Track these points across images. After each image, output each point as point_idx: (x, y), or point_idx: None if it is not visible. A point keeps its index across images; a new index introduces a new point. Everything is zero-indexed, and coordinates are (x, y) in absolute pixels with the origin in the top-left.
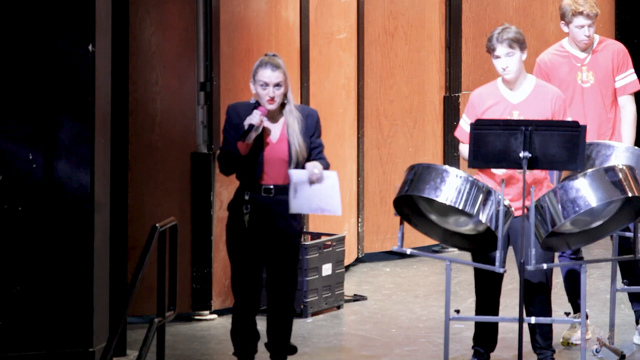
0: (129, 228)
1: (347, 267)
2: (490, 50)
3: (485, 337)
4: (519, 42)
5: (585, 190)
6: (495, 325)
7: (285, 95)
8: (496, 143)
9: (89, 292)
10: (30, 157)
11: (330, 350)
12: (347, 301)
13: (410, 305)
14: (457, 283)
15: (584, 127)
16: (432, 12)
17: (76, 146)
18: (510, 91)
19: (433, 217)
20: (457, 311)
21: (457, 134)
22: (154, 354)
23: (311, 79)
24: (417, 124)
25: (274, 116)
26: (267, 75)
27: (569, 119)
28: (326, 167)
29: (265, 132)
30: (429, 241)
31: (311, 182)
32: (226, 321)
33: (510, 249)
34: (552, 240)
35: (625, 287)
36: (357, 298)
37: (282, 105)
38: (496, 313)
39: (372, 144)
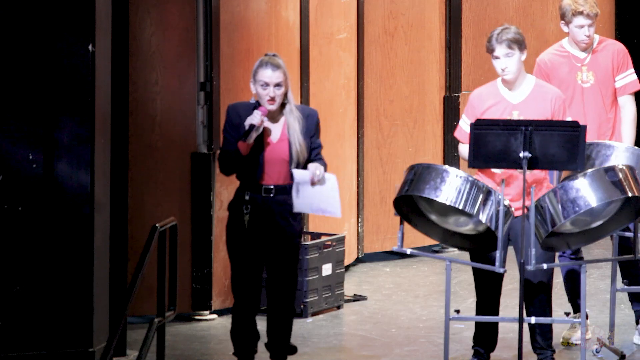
0: (129, 228)
1: (347, 267)
2: (490, 50)
3: (485, 337)
4: (518, 43)
5: (585, 190)
6: (495, 325)
7: (285, 95)
8: (496, 143)
9: (89, 292)
10: (30, 157)
11: (330, 350)
12: (347, 301)
13: (410, 305)
14: (457, 283)
15: (584, 127)
16: (432, 12)
17: (76, 146)
18: (509, 91)
19: (433, 217)
20: (457, 311)
21: (457, 134)
22: (154, 354)
23: (311, 79)
24: (417, 124)
25: (274, 116)
26: (268, 75)
27: (569, 119)
28: (324, 167)
29: (265, 132)
30: (429, 241)
31: (312, 183)
32: (226, 321)
33: (511, 248)
34: (552, 240)
35: (625, 287)
36: (357, 298)
37: (283, 105)
38: (496, 313)
39: (372, 144)
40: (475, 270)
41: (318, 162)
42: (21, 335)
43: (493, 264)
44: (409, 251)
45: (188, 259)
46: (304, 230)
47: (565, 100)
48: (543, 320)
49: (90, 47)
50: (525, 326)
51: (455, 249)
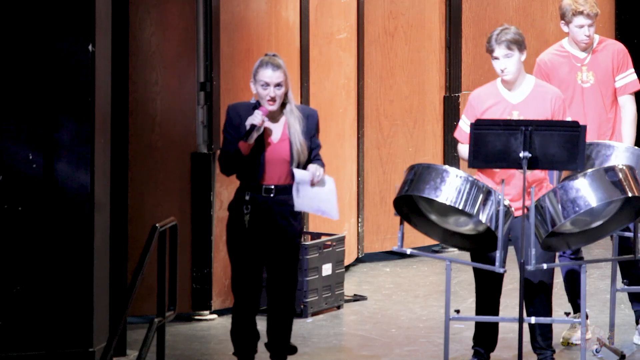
0: (129, 228)
1: (347, 267)
2: (489, 51)
3: (485, 337)
4: (517, 44)
5: (585, 190)
6: (495, 325)
7: (286, 95)
8: (496, 143)
9: (89, 292)
10: (30, 157)
11: (330, 350)
12: (347, 301)
13: (410, 305)
14: (457, 283)
15: (584, 127)
16: (432, 12)
17: (76, 146)
18: (509, 91)
19: (433, 217)
20: (457, 311)
21: (457, 134)
22: (154, 354)
23: (311, 79)
24: (417, 124)
25: (274, 116)
26: (268, 75)
27: (569, 118)
28: (322, 167)
29: (266, 132)
30: (429, 241)
31: (312, 184)
32: (226, 321)
33: (511, 248)
34: (552, 240)
35: (625, 287)
36: (357, 298)
37: (283, 105)
38: (496, 313)
39: (372, 144)
40: (476, 270)
41: (317, 162)
42: (21, 335)
43: (493, 264)
44: (409, 251)
45: (188, 259)
46: (304, 230)
47: (565, 100)
48: (543, 320)
49: (90, 47)
50: (525, 326)
51: (455, 249)
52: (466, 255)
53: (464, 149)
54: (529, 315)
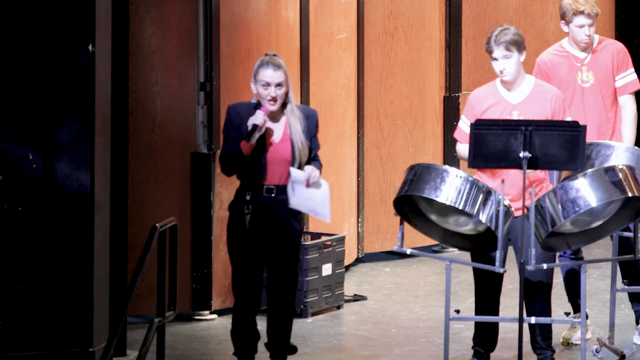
0: (129, 228)
1: (347, 267)
2: (488, 52)
3: (485, 337)
4: (516, 44)
5: (585, 190)
6: (495, 325)
7: (286, 95)
8: (496, 143)
9: (89, 292)
10: (30, 157)
11: (330, 350)
12: (347, 301)
13: (410, 305)
14: (457, 283)
15: (584, 127)
16: (432, 12)
17: (76, 146)
18: (509, 91)
19: (433, 217)
20: (457, 311)
21: (456, 134)
22: (154, 354)
23: (311, 79)
24: (417, 124)
25: (275, 116)
26: (269, 75)
27: (569, 118)
28: (319, 168)
29: (267, 132)
30: (429, 241)
31: (307, 185)
32: (226, 321)
33: (511, 248)
34: (552, 240)
35: (625, 287)
36: (357, 298)
37: (284, 105)
38: (496, 313)
39: (372, 144)
40: (475, 270)
41: (314, 163)
42: (21, 335)
43: (493, 264)
44: (409, 251)
45: (188, 259)
46: (304, 230)
47: (565, 100)
48: (543, 320)
49: (90, 47)
50: (525, 326)
51: (455, 249)
52: (466, 255)
53: (463, 149)
54: (528, 315)
